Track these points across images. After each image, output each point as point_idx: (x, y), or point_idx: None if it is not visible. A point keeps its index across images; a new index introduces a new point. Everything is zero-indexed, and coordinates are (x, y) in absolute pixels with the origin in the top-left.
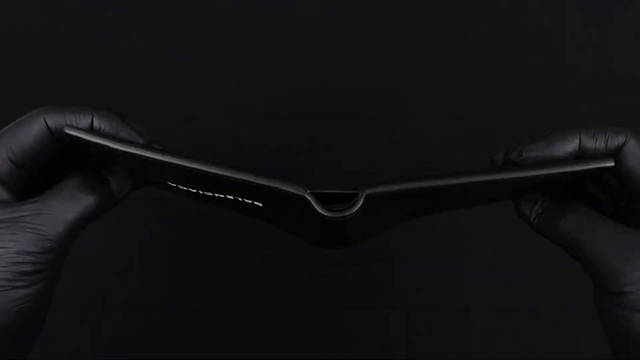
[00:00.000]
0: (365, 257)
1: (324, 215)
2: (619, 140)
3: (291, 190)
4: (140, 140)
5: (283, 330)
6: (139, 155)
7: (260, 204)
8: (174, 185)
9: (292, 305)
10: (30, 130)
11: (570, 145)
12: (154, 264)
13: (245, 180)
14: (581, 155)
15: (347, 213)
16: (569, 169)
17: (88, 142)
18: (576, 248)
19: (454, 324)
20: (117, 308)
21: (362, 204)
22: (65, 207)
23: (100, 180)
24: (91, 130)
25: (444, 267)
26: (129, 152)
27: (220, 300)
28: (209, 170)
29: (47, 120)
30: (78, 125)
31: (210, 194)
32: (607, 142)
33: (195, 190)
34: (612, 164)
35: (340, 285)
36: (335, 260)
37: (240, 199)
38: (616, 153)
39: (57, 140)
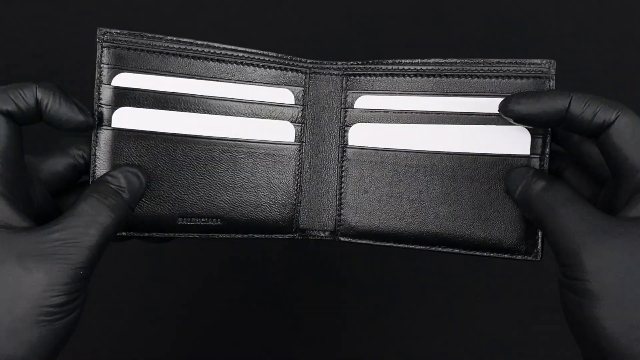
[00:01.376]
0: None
1: None
2: (608, 116)
3: None
4: (81, 117)
5: None
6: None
7: None
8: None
9: None
10: (48, 150)
11: (558, 105)
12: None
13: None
14: (567, 119)
15: None
16: (476, 253)
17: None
18: (543, 226)
19: None
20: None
21: None
22: (89, 232)
23: (113, 192)
24: (36, 103)
25: None
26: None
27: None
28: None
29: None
30: (25, 100)
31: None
32: (595, 114)
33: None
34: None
35: None
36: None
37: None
38: (602, 128)
39: (12, 121)
